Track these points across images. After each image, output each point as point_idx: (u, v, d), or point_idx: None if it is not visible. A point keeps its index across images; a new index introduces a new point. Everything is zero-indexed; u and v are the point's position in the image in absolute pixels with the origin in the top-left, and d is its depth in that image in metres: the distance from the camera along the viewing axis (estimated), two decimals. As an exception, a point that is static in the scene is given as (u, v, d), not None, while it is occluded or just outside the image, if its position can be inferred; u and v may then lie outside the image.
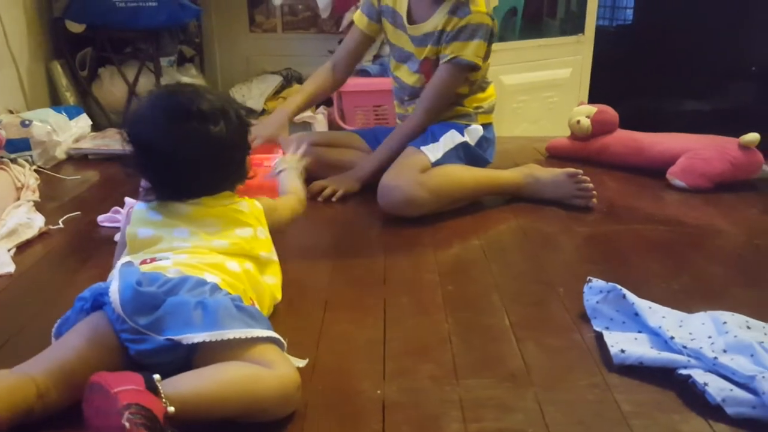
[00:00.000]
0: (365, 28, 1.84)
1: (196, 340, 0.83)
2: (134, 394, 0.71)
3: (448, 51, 1.66)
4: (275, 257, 1.13)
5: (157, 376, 0.75)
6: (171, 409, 0.73)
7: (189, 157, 1.01)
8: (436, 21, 1.68)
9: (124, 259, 0.96)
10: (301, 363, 0.91)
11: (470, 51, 1.64)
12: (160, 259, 0.96)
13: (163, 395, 0.74)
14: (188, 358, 0.85)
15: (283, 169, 1.38)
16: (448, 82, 1.70)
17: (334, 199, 1.71)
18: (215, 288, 0.91)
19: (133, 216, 1.05)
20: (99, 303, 0.88)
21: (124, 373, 0.75)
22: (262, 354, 0.84)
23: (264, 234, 1.10)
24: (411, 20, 1.73)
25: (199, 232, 1.02)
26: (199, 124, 1.00)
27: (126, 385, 0.72)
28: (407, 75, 1.80)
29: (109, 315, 0.86)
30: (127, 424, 0.67)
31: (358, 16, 1.85)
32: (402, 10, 1.74)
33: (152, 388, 0.74)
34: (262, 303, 1.03)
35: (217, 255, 1.00)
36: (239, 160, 1.09)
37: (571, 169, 1.66)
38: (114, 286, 0.86)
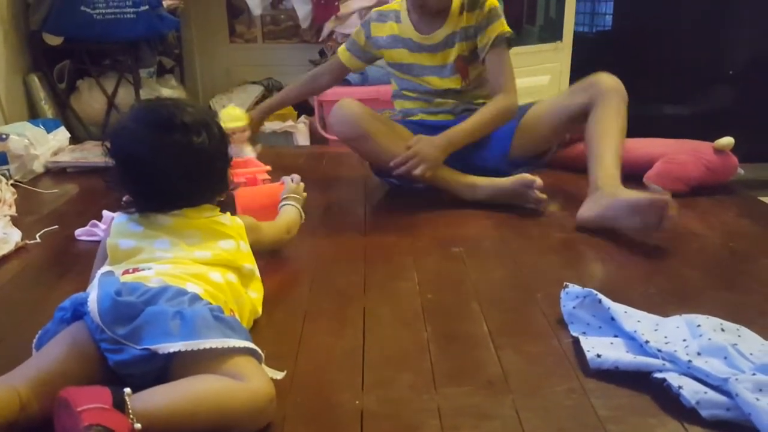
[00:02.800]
0: (347, 63, 1.98)
1: (172, 350, 0.82)
2: (98, 414, 0.70)
3: (489, 35, 1.76)
4: (257, 273, 1.13)
5: (127, 391, 0.75)
6: (138, 426, 0.73)
7: (171, 168, 1.02)
8: (452, 22, 1.78)
9: (105, 268, 0.96)
10: (279, 375, 0.91)
11: (502, 26, 1.77)
12: (143, 269, 0.96)
13: (130, 412, 0.73)
14: (166, 368, 0.85)
15: (287, 200, 1.42)
16: (507, 61, 1.79)
17: (418, 171, 1.66)
18: (195, 298, 0.91)
19: (113, 228, 1.05)
20: (79, 313, 0.88)
21: (92, 388, 0.75)
22: (238, 366, 0.84)
23: (246, 248, 1.11)
24: (422, 33, 1.81)
25: (180, 243, 1.02)
26: (182, 136, 1.01)
27: (91, 404, 0.71)
28: (444, 82, 1.84)
29: (88, 325, 0.86)
30: None
31: (342, 51, 1.97)
32: (408, 33, 1.83)
33: (119, 405, 0.73)
34: (243, 315, 1.02)
35: (200, 265, 1.00)
36: (220, 171, 1.10)
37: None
38: (93, 296, 0.86)
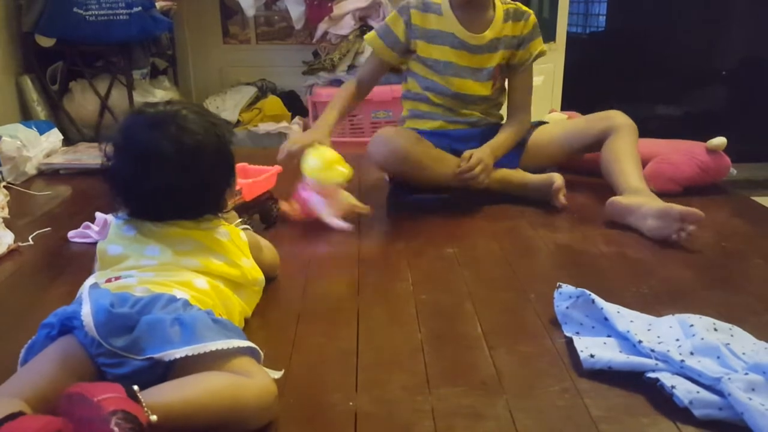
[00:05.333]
0: (381, 54, 1.81)
1: (178, 356, 0.82)
2: (118, 401, 0.70)
3: (531, 50, 1.80)
4: (258, 287, 1.13)
5: (135, 387, 0.75)
6: (153, 417, 0.73)
7: (170, 177, 0.98)
8: (497, 28, 1.76)
9: (90, 280, 0.95)
10: (277, 374, 0.91)
11: (541, 43, 1.81)
12: (125, 277, 0.95)
13: (144, 404, 0.73)
14: (164, 376, 0.84)
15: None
16: (532, 79, 1.84)
17: (484, 178, 1.68)
18: (186, 304, 0.91)
19: (109, 230, 1.04)
20: (67, 328, 0.86)
21: (103, 383, 0.75)
22: (241, 365, 0.85)
23: (249, 263, 1.10)
24: (470, 31, 1.76)
25: (168, 250, 1.01)
26: (185, 140, 0.98)
27: (108, 393, 0.71)
28: (476, 86, 1.80)
29: (80, 339, 0.84)
30: (116, 429, 0.67)
31: (372, 40, 1.81)
32: (455, 29, 1.76)
33: (133, 397, 0.73)
34: (232, 319, 1.02)
35: (185, 272, 0.99)
36: (221, 186, 1.07)
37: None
38: (86, 309, 0.84)
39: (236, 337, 0.87)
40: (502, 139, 1.77)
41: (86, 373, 0.83)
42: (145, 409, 0.73)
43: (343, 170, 1.52)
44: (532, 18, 1.79)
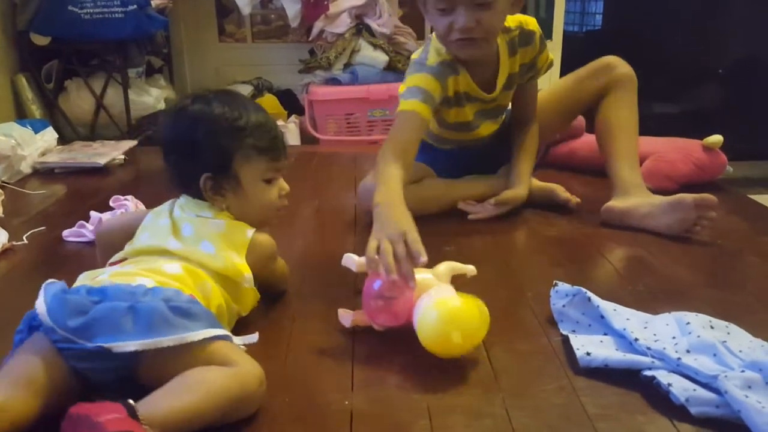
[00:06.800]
0: (429, 117, 1.49)
1: (128, 349, 0.80)
2: (119, 422, 0.70)
3: (540, 64, 1.65)
4: (248, 284, 1.06)
5: (132, 402, 0.74)
6: None
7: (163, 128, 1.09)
8: (506, 68, 1.59)
9: (51, 280, 0.92)
10: (253, 339, 0.92)
11: (548, 52, 1.66)
12: (100, 275, 0.96)
13: (142, 420, 0.73)
14: (129, 366, 0.83)
15: None
16: (537, 87, 1.72)
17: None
18: (146, 290, 0.88)
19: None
20: (34, 327, 0.87)
21: (103, 403, 0.74)
22: (218, 353, 0.84)
23: (239, 259, 1.05)
24: (483, 90, 1.59)
25: (168, 233, 1.04)
26: (186, 104, 1.08)
27: (109, 414, 0.71)
28: (490, 128, 1.71)
29: (44, 330, 0.84)
30: None
31: (421, 108, 1.46)
32: (470, 88, 1.58)
33: (133, 416, 0.73)
34: (210, 304, 0.98)
35: (159, 258, 0.99)
36: (199, 164, 1.06)
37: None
38: (39, 300, 0.85)
39: (197, 327, 0.84)
40: (527, 165, 1.67)
41: (55, 362, 0.83)
42: (145, 426, 0.73)
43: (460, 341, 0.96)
44: (538, 34, 1.61)
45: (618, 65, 1.68)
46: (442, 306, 0.97)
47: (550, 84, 1.90)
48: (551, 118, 1.77)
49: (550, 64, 1.68)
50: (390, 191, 1.25)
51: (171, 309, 0.85)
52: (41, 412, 0.80)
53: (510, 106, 1.74)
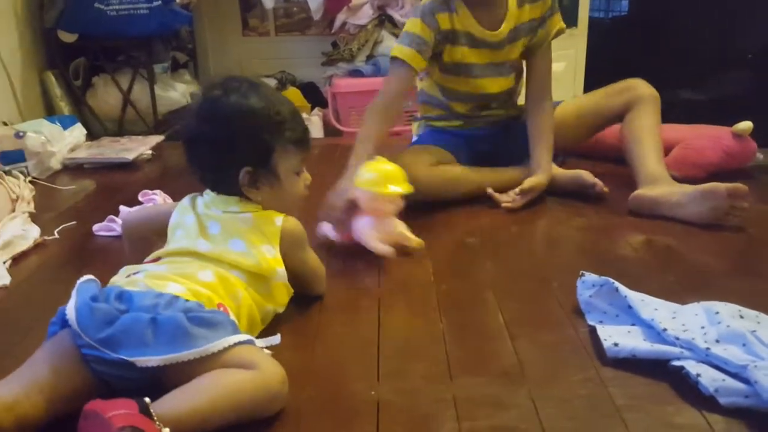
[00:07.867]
0: (415, 63, 1.58)
1: (150, 365, 0.82)
2: (128, 417, 0.72)
3: (550, 29, 1.69)
4: (281, 279, 1.06)
5: (147, 400, 0.76)
6: (166, 430, 0.74)
7: (193, 125, 1.06)
8: (513, 17, 1.65)
9: (86, 276, 0.95)
10: (275, 341, 0.93)
11: (560, 20, 1.70)
12: (138, 272, 0.97)
13: (155, 417, 0.74)
14: (154, 375, 0.84)
15: None
16: (551, 60, 1.73)
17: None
18: (173, 300, 0.89)
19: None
20: (67, 323, 0.88)
21: (116, 399, 0.76)
22: (240, 356, 0.84)
23: (272, 253, 1.04)
24: (487, 29, 1.65)
25: (196, 232, 1.04)
26: (215, 94, 1.06)
27: (119, 410, 0.72)
28: (497, 84, 1.73)
29: (72, 332, 0.86)
30: None
31: (403, 51, 1.58)
32: (472, 27, 1.64)
33: (145, 412, 0.74)
34: (240, 313, 0.99)
35: (195, 262, 1.00)
36: (238, 158, 1.05)
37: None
38: (71, 304, 0.87)
39: (217, 337, 0.85)
40: (547, 148, 1.69)
41: (77, 363, 0.85)
42: (157, 423, 0.74)
43: (398, 189, 1.34)
44: None
45: (642, 86, 1.72)
46: (379, 164, 1.36)
47: (574, 98, 1.90)
48: (574, 131, 1.79)
49: (561, 31, 1.72)
50: (357, 156, 1.49)
51: (190, 319, 0.85)
52: (51, 414, 0.81)
53: (525, 82, 1.78)
